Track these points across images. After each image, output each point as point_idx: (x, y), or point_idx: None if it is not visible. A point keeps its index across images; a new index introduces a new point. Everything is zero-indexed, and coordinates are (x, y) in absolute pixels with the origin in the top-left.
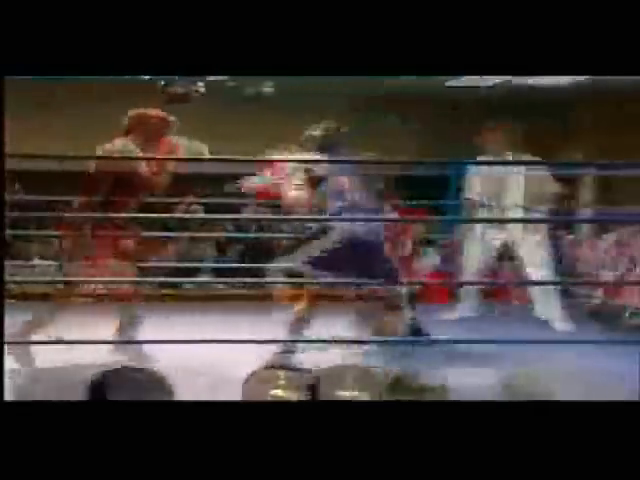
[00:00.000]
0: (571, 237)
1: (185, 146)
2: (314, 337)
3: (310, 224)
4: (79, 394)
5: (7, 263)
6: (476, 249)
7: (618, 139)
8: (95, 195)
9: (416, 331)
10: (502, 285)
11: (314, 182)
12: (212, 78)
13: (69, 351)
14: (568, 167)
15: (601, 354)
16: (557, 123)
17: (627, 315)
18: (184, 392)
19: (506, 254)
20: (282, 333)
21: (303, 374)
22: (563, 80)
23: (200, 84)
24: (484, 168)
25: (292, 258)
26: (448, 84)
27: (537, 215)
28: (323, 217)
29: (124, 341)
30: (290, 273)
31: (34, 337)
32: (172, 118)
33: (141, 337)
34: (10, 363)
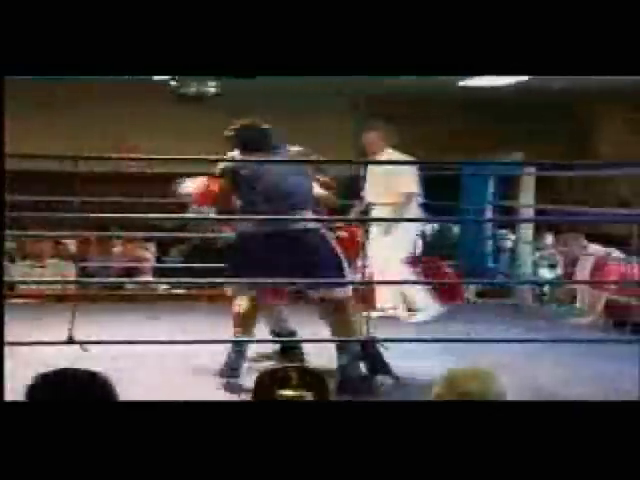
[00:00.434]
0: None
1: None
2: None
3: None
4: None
5: None
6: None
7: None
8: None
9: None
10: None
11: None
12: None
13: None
14: (507, 167)
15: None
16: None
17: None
18: (125, 392)
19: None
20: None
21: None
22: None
23: (213, 84)
24: (370, 168)
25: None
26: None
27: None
28: (250, 217)
29: (95, 341)
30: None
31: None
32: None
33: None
34: None
